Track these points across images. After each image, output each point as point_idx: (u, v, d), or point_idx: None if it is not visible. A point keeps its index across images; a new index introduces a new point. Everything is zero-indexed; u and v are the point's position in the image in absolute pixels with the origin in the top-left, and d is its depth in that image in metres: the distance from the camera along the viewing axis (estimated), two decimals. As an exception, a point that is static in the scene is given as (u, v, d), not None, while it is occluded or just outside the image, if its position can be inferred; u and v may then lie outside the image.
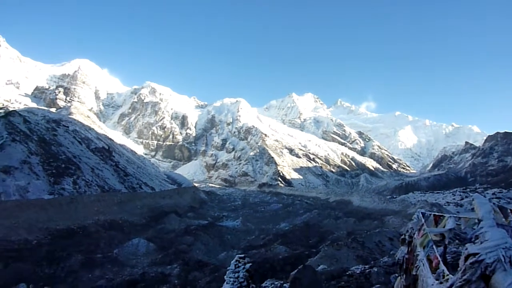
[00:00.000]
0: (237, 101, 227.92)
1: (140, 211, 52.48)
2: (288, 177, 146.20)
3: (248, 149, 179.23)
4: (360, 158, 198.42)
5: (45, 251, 32.20)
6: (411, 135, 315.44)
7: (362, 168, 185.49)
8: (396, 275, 17.44)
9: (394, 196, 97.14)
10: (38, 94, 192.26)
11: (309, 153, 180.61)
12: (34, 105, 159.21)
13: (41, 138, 66.59)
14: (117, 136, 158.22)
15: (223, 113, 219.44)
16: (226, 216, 64.49)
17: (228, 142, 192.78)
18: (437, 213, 6.93)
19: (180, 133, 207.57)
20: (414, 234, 6.97)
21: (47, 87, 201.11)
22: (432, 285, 5.34)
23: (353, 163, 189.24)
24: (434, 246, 5.94)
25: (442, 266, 5.46)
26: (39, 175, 53.35)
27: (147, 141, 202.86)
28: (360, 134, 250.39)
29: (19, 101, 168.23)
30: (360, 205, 73.63)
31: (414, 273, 6.37)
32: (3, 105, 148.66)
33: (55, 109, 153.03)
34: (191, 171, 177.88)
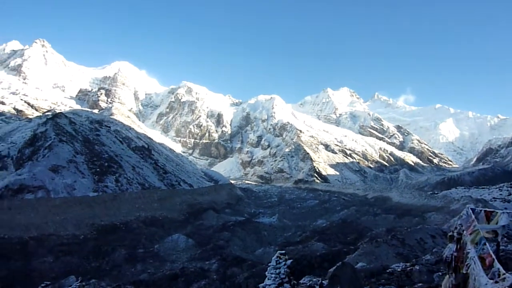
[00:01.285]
0: (271, 98, 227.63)
1: (179, 208, 53.68)
2: (324, 173, 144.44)
3: (283, 145, 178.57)
4: (399, 153, 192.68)
5: (91, 245, 33.70)
6: (453, 128, 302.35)
7: (401, 163, 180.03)
8: (441, 273, 16.80)
9: (436, 192, 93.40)
10: (82, 96, 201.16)
11: (346, 148, 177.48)
12: (78, 107, 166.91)
13: (85, 138, 69.60)
14: (156, 135, 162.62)
15: (258, 110, 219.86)
16: (262, 213, 64.70)
17: (263, 139, 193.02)
18: (488, 209, 6.57)
19: (216, 131, 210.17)
20: (463, 231, 6.64)
21: (89, 90, 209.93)
22: (486, 284, 5.05)
23: (392, 158, 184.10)
24: (487, 244, 5.63)
25: (497, 265, 5.16)
26: (84, 174, 55.82)
27: (184, 139, 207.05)
28: (398, 128, 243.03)
29: (65, 104, 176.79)
30: (400, 201, 71.54)
31: (464, 272, 6.07)
32: (50, 107, 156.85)
33: (97, 110, 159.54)
34: (227, 168, 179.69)
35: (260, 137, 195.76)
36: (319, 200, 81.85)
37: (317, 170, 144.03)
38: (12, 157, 65.73)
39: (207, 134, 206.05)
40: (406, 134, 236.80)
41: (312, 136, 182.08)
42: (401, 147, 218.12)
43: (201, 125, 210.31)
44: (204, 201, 61.80)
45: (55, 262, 28.90)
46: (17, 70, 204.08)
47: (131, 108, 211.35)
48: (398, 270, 19.36)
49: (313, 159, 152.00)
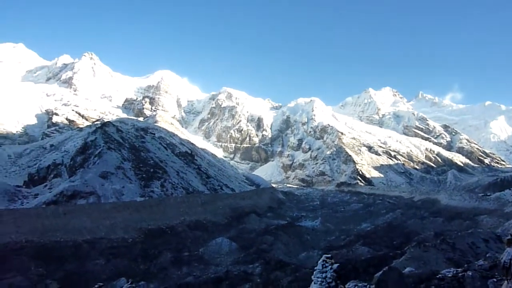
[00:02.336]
0: (311, 100, 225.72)
1: (222, 212, 54.49)
2: (367, 175, 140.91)
3: (324, 148, 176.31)
4: (446, 153, 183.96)
5: (139, 248, 35.00)
6: (505, 126, 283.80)
7: (449, 164, 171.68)
8: (496, 280, 15.90)
9: (488, 194, 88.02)
10: (128, 105, 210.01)
11: (390, 150, 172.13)
12: (124, 115, 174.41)
13: (132, 145, 72.54)
14: (198, 141, 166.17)
15: (298, 113, 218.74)
16: (305, 216, 64.20)
17: (304, 142, 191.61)
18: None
19: (257, 135, 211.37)
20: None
21: (134, 98, 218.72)
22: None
23: (439, 159, 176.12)
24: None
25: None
26: (131, 179, 58.16)
27: (225, 144, 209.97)
28: (445, 127, 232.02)
29: (112, 113, 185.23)
30: (449, 204, 68.31)
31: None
32: (99, 117, 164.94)
33: (142, 118, 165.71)
34: (268, 172, 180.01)
35: (300, 140, 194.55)
36: (363, 203, 79.98)
37: (360, 172, 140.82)
38: (65, 164, 69.85)
39: (247, 139, 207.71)
40: (453, 133, 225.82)
41: (354, 138, 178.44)
42: (448, 147, 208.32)
43: (242, 130, 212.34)
44: (246, 205, 62.32)
45: (106, 264, 30.27)
46: (68, 82, 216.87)
47: (174, 115, 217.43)
48: (449, 276, 18.53)
49: (356, 162, 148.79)
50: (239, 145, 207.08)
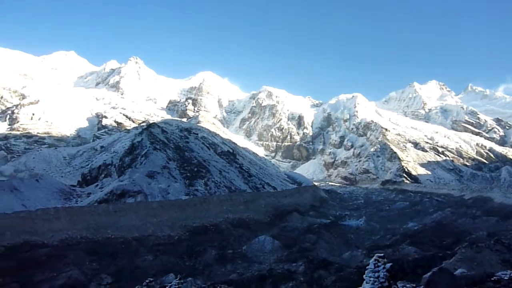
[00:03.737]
0: (353, 96, 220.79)
1: (264, 210, 54.82)
2: (414, 173, 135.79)
3: (367, 145, 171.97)
4: (499, 149, 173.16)
5: (185, 245, 36.05)
6: None
7: (503, 160, 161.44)
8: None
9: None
10: (171, 106, 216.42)
11: (437, 146, 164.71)
12: (168, 116, 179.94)
13: (176, 146, 74.72)
14: (240, 140, 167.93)
15: (339, 110, 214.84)
16: (348, 215, 63.09)
17: (346, 139, 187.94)
18: None
19: (297, 133, 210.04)
20: None
21: (178, 100, 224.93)
22: None
23: (492, 155, 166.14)
24: None
25: None
26: (176, 178, 59.95)
27: (266, 142, 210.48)
28: (498, 121, 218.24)
29: (157, 114, 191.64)
30: (503, 202, 64.44)
31: None
32: (145, 118, 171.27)
33: (185, 119, 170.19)
34: (310, 170, 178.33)
35: (342, 138, 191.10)
36: (410, 202, 77.30)
37: (406, 170, 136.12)
38: (115, 165, 73.26)
39: (288, 137, 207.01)
40: (507, 127, 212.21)
41: (399, 134, 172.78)
42: (502, 142, 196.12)
43: (283, 128, 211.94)
44: (288, 203, 62.25)
45: (154, 260, 31.48)
46: (115, 86, 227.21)
47: (216, 115, 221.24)
48: (505, 278, 17.59)
49: (401, 159, 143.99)
50: (280, 144, 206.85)
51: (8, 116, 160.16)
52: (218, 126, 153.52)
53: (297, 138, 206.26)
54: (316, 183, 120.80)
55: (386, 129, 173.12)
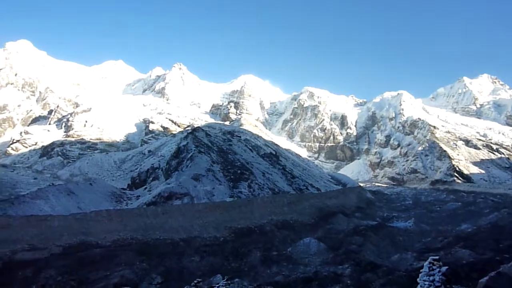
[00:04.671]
0: (398, 94, 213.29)
1: (309, 211, 54.31)
2: (465, 172, 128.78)
3: (415, 144, 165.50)
4: None
5: (230, 247, 36.52)
6: None
7: None
8: None
9: None
10: (214, 110, 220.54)
11: (491, 143, 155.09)
12: (212, 120, 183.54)
13: (220, 149, 76.03)
14: (282, 142, 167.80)
15: (384, 108, 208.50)
16: (396, 217, 61.01)
17: (392, 138, 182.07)
18: None
19: (341, 133, 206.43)
20: None
21: (220, 104, 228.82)
22: None
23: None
24: None
25: None
26: (220, 181, 60.98)
27: (309, 143, 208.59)
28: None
29: (201, 118, 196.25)
30: None
31: None
32: (189, 123, 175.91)
33: (228, 122, 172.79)
34: (355, 171, 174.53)
35: (388, 137, 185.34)
36: (462, 202, 73.42)
37: (457, 168, 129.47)
38: (162, 168, 75.86)
39: (331, 137, 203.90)
40: None
41: (448, 132, 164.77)
42: None
43: (325, 129, 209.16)
44: (333, 204, 61.26)
45: (201, 261, 32.16)
46: (161, 92, 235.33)
47: (258, 118, 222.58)
48: None
49: (452, 157, 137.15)
50: (323, 144, 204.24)
51: (63, 124, 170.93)
52: (260, 128, 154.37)
53: (340, 138, 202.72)
54: (361, 184, 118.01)
55: (434, 127, 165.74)
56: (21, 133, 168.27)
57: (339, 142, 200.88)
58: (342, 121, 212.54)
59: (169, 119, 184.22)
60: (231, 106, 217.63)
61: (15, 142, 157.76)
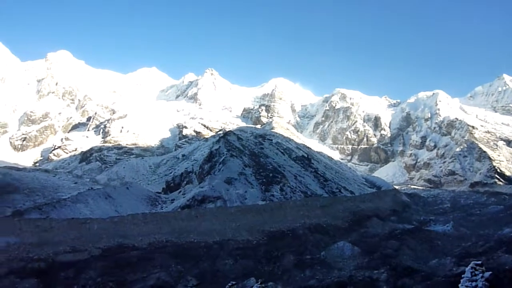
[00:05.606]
0: (433, 93, 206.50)
1: (342, 215, 53.49)
2: (507, 173, 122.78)
3: (452, 144, 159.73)
4: None
5: (263, 250, 36.58)
6: None
7: None
8: None
9: None
10: (246, 114, 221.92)
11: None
12: (243, 124, 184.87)
13: (251, 152, 76.41)
14: (314, 144, 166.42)
15: (419, 108, 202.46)
16: (433, 220, 58.95)
17: (428, 140, 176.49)
18: None
19: (374, 135, 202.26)
20: None
21: (252, 107, 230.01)
22: None
23: None
24: None
25: None
26: (253, 184, 61.26)
27: (342, 146, 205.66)
28: None
29: (232, 122, 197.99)
30: None
31: None
32: (221, 127, 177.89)
33: (259, 125, 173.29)
34: (389, 173, 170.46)
35: (424, 138, 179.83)
36: (504, 206, 69.85)
37: (498, 170, 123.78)
38: (195, 172, 77.15)
39: (365, 139, 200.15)
40: None
41: (488, 132, 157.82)
42: None
43: (358, 130, 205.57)
44: (367, 208, 60.00)
45: (235, 264, 32.41)
46: (194, 98, 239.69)
47: (289, 121, 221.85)
48: None
49: (492, 158, 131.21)
50: (356, 147, 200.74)
51: (101, 130, 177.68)
52: (291, 131, 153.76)
53: (374, 140, 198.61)
54: (396, 187, 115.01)
55: (473, 127, 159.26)
56: (62, 139, 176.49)
57: (372, 144, 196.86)
58: (376, 123, 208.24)
59: (202, 124, 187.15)
60: (262, 110, 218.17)
61: (56, 148, 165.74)
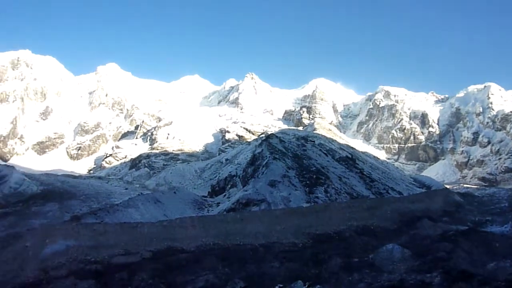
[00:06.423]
0: (485, 86, 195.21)
1: (390, 216, 51.85)
2: None
3: (508, 140, 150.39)
4: None
5: (309, 253, 36.28)
6: None
7: None
8: None
9: None
10: (287, 116, 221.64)
11: None
12: (285, 126, 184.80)
13: (294, 154, 76.20)
14: (358, 144, 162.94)
15: (470, 103, 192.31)
16: (490, 221, 55.55)
17: (480, 135, 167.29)
18: None
19: (422, 132, 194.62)
20: None
21: (293, 109, 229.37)
22: None
23: None
24: None
25: None
26: (296, 186, 61.05)
27: (387, 145, 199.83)
28: None
29: (274, 125, 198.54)
30: None
31: None
32: (263, 130, 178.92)
33: (301, 127, 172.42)
34: (439, 172, 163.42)
35: (476, 134, 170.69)
36: None
37: None
38: (239, 176, 78.13)
39: (412, 137, 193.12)
40: None
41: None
42: None
43: (404, 128, 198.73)
44: (417, 208, 57.71)
45: (281, 267, 32.38)
46: (235, 102, 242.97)
47: (332, 121, 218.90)
48: None
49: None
50: (403, 145, 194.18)
51: (148, 137, 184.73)
52: (334, 132, 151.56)
53: (421, 138, 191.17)
54: (448, 186, 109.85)
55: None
56: (112, 148, 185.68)
57: (420, 142, 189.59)
58: (423, 120, 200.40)
59: (244, 128, 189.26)
60: (303, 111, 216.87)
61: (108, 156, 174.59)
